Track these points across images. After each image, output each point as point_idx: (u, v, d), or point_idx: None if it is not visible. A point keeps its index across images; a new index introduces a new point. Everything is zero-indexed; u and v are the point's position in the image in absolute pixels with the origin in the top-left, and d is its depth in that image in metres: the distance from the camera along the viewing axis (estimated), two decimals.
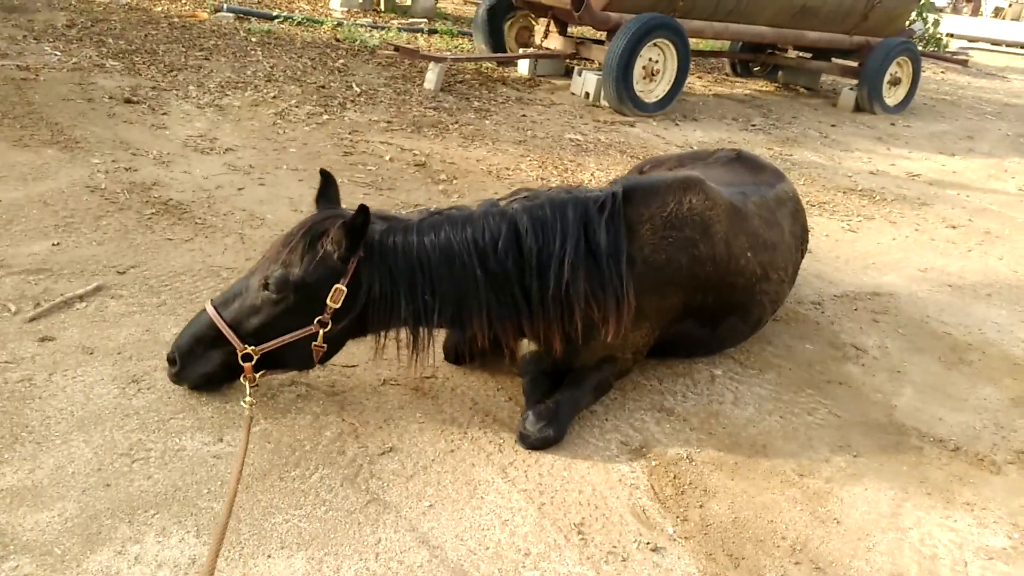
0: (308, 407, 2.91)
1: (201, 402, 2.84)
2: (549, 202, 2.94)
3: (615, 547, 2.50)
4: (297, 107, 6.41)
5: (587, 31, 10.51)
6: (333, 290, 2.65)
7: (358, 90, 7.25)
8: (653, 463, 2.91)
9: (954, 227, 6.38)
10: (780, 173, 4.21)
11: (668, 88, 8.37)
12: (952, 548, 2.74)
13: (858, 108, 10.46)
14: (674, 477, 2.86)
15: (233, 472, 2.32)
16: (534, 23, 9.79)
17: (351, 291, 2.67)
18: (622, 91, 7.99)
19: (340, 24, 10.10)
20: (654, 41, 8.09)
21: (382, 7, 12.15)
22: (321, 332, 2.67)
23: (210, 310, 2.70)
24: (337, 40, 9.13)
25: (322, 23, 10.03)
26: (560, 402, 3.00)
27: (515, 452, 2.86)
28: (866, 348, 4.08)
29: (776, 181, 4.04)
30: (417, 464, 2.72)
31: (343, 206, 2.97)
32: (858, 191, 6.90)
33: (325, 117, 6.32)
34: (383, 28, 10.41)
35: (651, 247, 3.11)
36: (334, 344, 2.78)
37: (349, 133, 6.02)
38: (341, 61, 8.11)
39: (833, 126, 9.41)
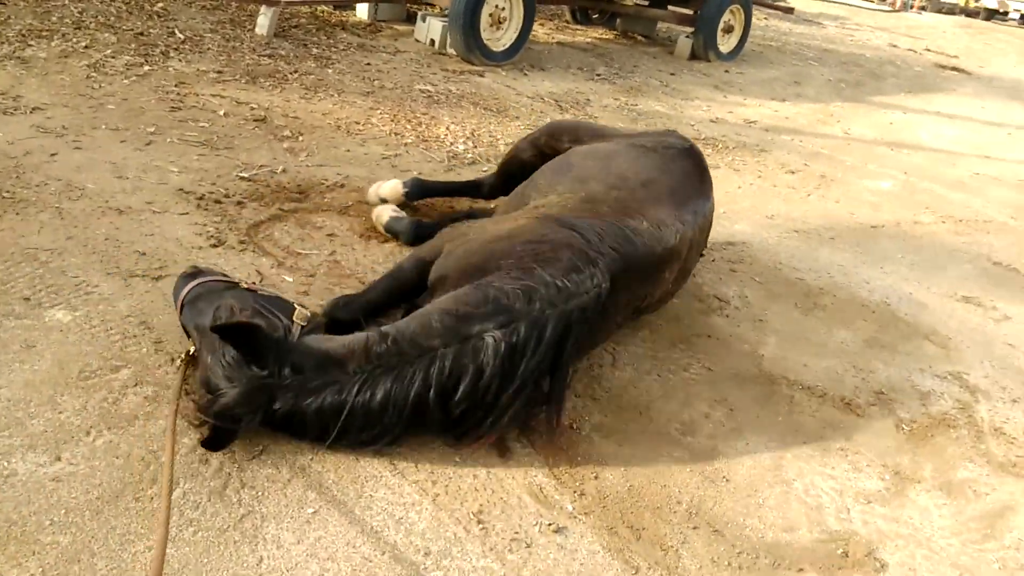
0: (159, 411, 2.55)
1: (29, 414, 2.43)
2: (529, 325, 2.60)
3: (517, 533, 2.38)
4: (113, 57, 5.72)
5: None
6: None
7: (182, 37, 6.58)
8: (543, 436, 2.80)
9: (792, 172, 6.64)
10: (711, 182, 3.87)
11: (515, 36, 8.18)
12: (834, 496, 2.82)
13: (694, 56, 10.70)
14: (566, 449, 2.77)
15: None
16: None
17: None
18: (470, 40, 7.73)
19: None
20: None
21: None
22: None
23: None
24: None
25: None
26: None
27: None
28: (728, 299, 4.14)
29: (711, 195, 3.79)
30: (294, 465, 2.46)
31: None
32: (702, 140, 7.04)
33: (146, 68, 5.69)
34: None
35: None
36: None
37: (175, 85, 5.44)
38: (160, 4, 7.33)
39: (672, 74, 9.58)
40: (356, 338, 2.59)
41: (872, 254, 5.12)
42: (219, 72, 5.87)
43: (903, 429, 3.28)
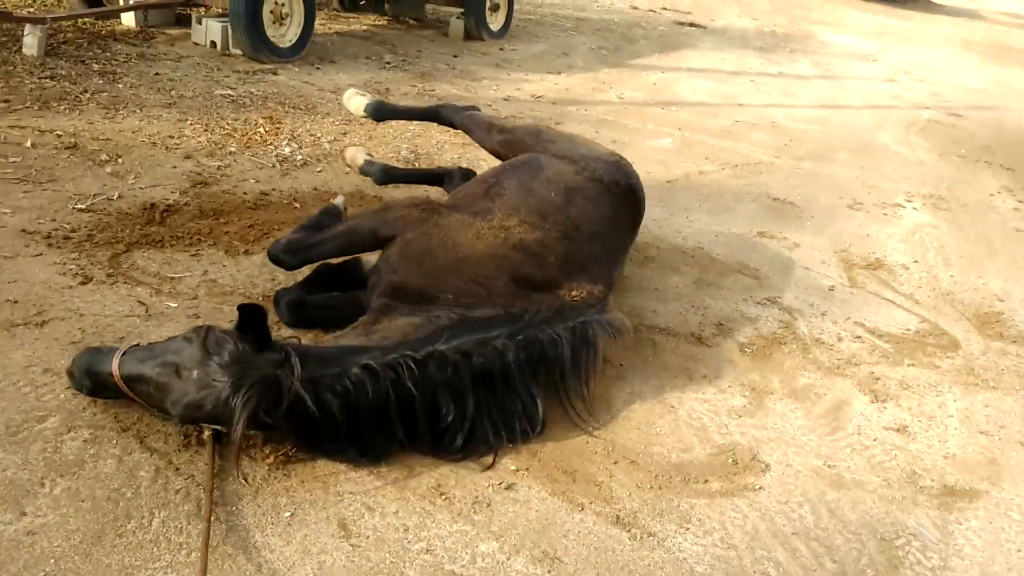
0: (104, 451, 2.55)
1: None
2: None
3: (477, 497, 2.65)
4: None
5: None
6: None
7: None
8: None
9: None
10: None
11: (299, 31, 8.12)
12: (712, 416, 3.33)
13: (468, 36, 11.09)
14: None
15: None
16: None
17: None
18: (255, 38, 7.59)
19: None
20: None
21: None
22: None
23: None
24: None
25: None
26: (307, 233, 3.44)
27: None
28: None
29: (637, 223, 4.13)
30: (256, 476, 2.57)
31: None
32: (503, 118, 7.44)
33: None
34: None
35: None
36: None
37: None
38: None
39: (455, 56, 9.92)
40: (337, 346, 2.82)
41: (675, 206, 5.79)
42: (6, 102, 5.43)
43: (746, 352, 3.88)
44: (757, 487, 2.95)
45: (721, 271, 4.76)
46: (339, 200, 4.02)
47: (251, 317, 2.48)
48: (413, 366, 2.67)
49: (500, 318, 3.01)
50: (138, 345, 2.67)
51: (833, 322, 4.33)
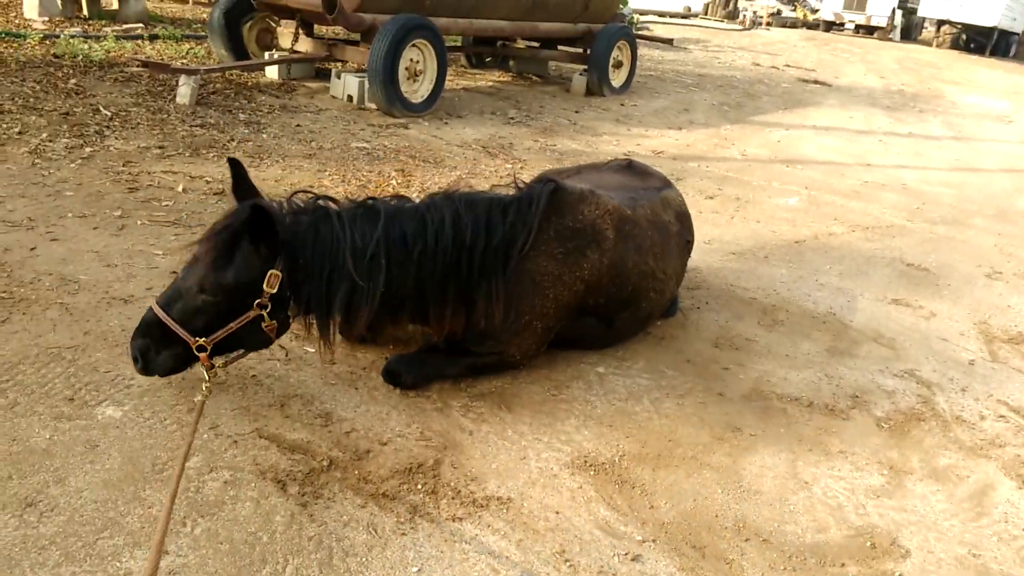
0: (243, 493, 2.65)
1: (120, 512, 2.48)
2: (463, 201, 3.27)
3: (602, 566, 2.60)
4: (51, 141, 5.61)
5: (338, 31, 10.23)
6: (268, 275, 2.79)
7: (108, 113, 6.49)
8: (593, 473, 3.04)
9: (711, 197, 7.16)
10: (666, 179, 4.54)
11: (432, 87, 8.45)
12: (848, 494, 3.17)
13: (589, 92, 11.27)
14: (616, 484, 3.01)
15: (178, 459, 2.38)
16: (275, 24, 9.34)
17: (286, 272, 2.83)
18: (391, 93, 7.93)
19: (48, 37, 8.92)
20: (413, 42, 8.10)
21: (85, 13, 10.86)
22: (264, 313, 2.82)
23: (157, 310, 2.79)
24: (56, 56, 8.04)
25: (25, 36, 8.77)
26: (426, 359, 3.48)
27: (468, 495, 2.84)
28: (699, 323, 4.50)
29: (663, 187, 4.37)
30: (384, 529, 2.60)
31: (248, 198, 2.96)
32: None
33: (88, 150, 5.61)
34: (99, 38, 9.35)
35: (545, 256, 3.41)
36: (283, 321, 2.95)
37: (123, 165, 5.40)
38: (73, 81, 7.19)
39: (577, 112, 10.07)
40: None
41: (804, 268, 5.63)
42: (160, 148, 5.85)
43: (883, 427, 3.70)
44: (897, 574, 2.78)
45: (854, 339, 4.58)
46: None
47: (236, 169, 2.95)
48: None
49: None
50: None
51: (975, 399, 4.08)
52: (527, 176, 6.52)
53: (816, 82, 16.39)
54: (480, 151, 7.42)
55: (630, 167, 4.61)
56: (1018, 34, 33.09)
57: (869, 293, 5.29)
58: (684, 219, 4.41)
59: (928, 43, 33.52)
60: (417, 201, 3.30)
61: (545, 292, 3.44)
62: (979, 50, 31.23)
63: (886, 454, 3.47)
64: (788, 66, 18.62)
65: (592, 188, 3.70)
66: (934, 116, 14.04)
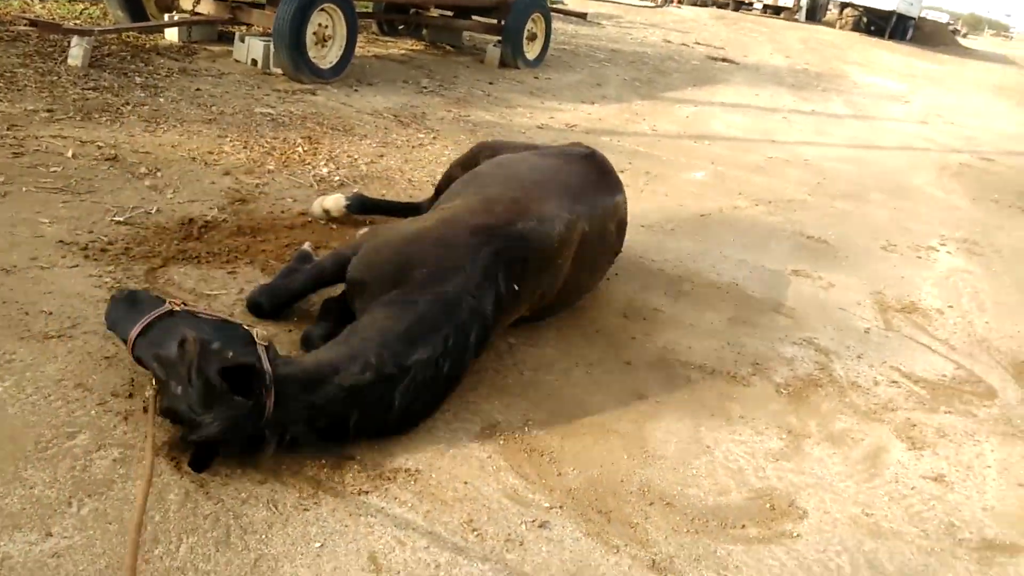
0: (134, 471, 2.52)
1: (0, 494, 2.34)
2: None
3: (509, 534, 2.60)
4: None
5: None
6: None
7: None
8: (502, 443, 3.03)
9: (622, 171, 7.08)
10: (618, 182, 4.37)
11: (341, 53, 8.22)
12: (749, 458, 3.26)
13: (503, 64, 11.18)
14: (525, 452, 3.01)
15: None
16: None
17: None
18: (297, 58, 7.68)
19: None
20: (322, 6, 7.86)
21: None
22: None
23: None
24: None
25: None
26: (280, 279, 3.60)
27: (375, 468, 2.78)
28: (610, 294, 4.54)
29: (617, 191, 4.26)
30: (286, 505, 2.53)
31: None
32: None
33: None
34: None
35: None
36: None
37: (7, 129, 5.05)
38: None
39: (491, 83, 9.98)
40: (320, 362, 2.80)
41: (709, 240, 5.74)
42: (49, 111, 5.50)
43: (782, 393, 3.81)
44: (795, 534, 2.87)
45: (756, 309, 4.70)
46: (307, 245, 4.00)
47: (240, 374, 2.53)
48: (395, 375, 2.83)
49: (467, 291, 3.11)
50: (164, 317, 2.73)
51: (869, 365, 4.25)
52: (463, 145, 6.42)
53: (724, 60, 16.72)
54: (392, 120, 7.27)
55: (591, 160, 4.30)
56: (915, 19, 34.61)
57: (771, 265, 5.44)
58: (622, 228, 4.39)
59: (832, 24, 34.72)
60: None
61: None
62: (879, 33, 32.49)
63: (785, 419, 3.59)
64: (698, 44, 18.93)
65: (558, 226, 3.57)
66: (836, 95, 14.53)
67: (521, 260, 3.33)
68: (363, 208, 4.70)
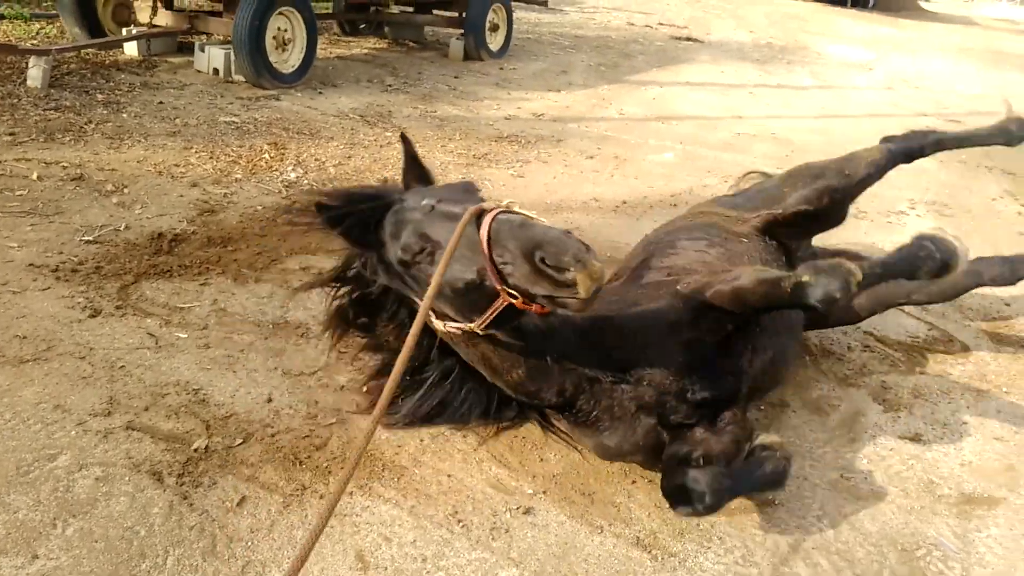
0: (116, 488, 2.54)
1: None
2: None
3: (494, 522, 2.63)
4: None
5: (199, 1, 9.76)
6: None
7: None
8: (483, 434, 3.05)
9: (591, 157, 7.24)
10: None
11: (302, 56, 8.18)
12: None
13: (467, 56, 11.15)
14: (508, 442, 3.04)
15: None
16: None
17: None
18: (259, 64, 7.65)
19: None
20: (280, 10, 7.82)
21: None
22: None
23: None
24: None
25: None
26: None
27: (365, 467, 2.80)
28: None
29: None
30: (270, 511, 2.55)
31: None
32: (506, 138, 7.48)
33: None
34: None
35: None
36: None
37: None
38: None
39: (456, 77, 9.97)
40: None
41: None
42: (11, 134, 5.47)
43: None
44: (776, 502, 2.92)
45: None
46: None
47: None
48: None
49: None
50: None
51: (843, 332, 4.31)
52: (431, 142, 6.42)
53: (688, 39, 16.75)
54: (358, 120, 7.26)
55: None
56: None
57: None
58: None
59: None
60: None
61: None
62: (841, 2, 32.63)
63: None
64: (661, 24, 18.95)
65: None
66: (801, 67, 14.60)
67: None
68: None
